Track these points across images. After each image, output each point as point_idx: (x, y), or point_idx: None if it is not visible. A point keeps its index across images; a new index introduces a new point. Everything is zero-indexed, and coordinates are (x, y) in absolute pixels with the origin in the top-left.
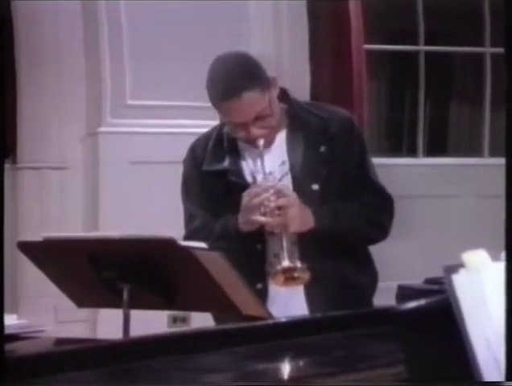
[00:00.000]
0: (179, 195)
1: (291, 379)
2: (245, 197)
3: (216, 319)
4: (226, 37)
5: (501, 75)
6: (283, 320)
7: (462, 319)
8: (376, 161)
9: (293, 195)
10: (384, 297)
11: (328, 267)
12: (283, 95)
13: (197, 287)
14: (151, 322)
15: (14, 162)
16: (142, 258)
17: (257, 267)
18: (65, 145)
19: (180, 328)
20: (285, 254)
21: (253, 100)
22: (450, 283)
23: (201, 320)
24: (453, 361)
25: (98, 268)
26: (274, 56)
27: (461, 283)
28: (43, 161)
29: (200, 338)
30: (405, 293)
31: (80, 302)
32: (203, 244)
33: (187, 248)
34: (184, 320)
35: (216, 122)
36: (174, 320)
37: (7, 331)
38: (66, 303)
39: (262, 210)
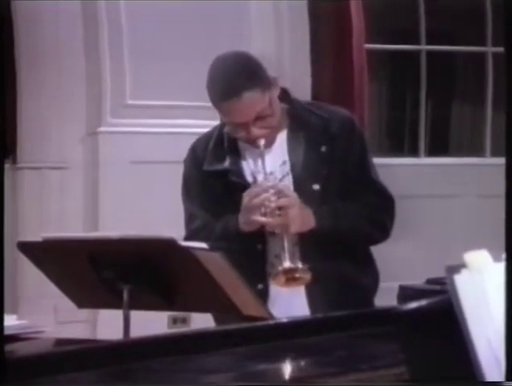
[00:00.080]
0: (180, 195)
1: (293, 379)
2: (246, 197)
3: (217, 320)
4: (226, 37)
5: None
6: (284, 320)
7: (464, 320)
8: (377, 161)
9: (294, 195)
10: (385, 297)
11: (328, 267)
12: (284, 95)
13: (198, 287)
14: (151, 323)
15: (14, 162)
16: (142, 258)
17: (257, 267)
18: (65, 145)
19: (180, 329)
20: (286, 255)
21: (253, 100)
22: (452, 283)
23: (202, 321)
24: (455, 361)
25: (98, 268)
26: (274, 56)
27: (463, 283)
28: (43, 161)
29: (200, 339)
30: (406, 293)
31: (80, 303)
32: (203, 245)
33: (187, 249)
34: (185, 321)
35: (216, 122)
36: (174, 321)
37: (7, 332)
38: (66, 304)
39: (263, 210)
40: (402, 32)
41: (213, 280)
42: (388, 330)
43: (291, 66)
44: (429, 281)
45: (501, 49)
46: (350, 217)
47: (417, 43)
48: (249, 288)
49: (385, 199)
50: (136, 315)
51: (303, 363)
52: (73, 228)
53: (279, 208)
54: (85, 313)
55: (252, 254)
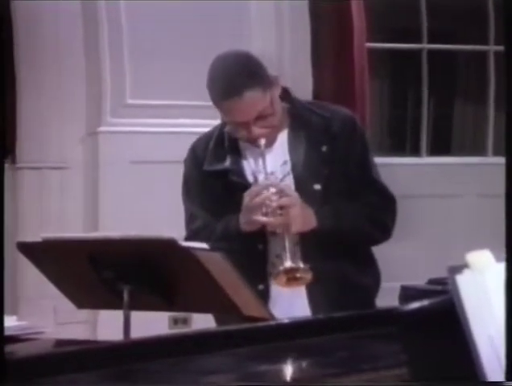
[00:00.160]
0: (180, 195)
1: (294, 380)
2: (247, 197)
3: (218, 320)
4: (227, 37)
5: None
6: (286, 321)
7: (466, 320)
8: (378, 160)
9: (295, 195)
10: (387, 297)
11: (330, 267)
12: (285, 94)
13: (198, 288)
14: (152, 324)
15: (14, 161)
16: (142, 259)
17: (258, 267)
18: (65, 145)
19: (181, 329)
20: (287, 254)
21: (254, 99)
22: (454, 284)
23: (202, 321)
24: (457, 362)
25: (98, 268)
26: (275, 56)
27: (465, 284)
28: (43, 161)
29: (201, 340)
30: (408, 293)
31: (80, 304)
32: (204, 245)
33: (188, 249)
34: (185, 321)
35: (217, 122)
36: (175, 321)
37: (7, 333)
38: (66, 304)
39: (264, 210)
40: (404, 31)
41: (214, 280)
42: (390, 330)
43: (292, 65)
44: (431, 282)
45: (503, 48)
46: (351, 217)
47: (418, 41)
48: (250, 288)
49: (386, 198)
50: (136, 316)
51: (304, 363)
52: (73, 228)
53: (280, 208)
54: (85, 314)
55: (253, 254)
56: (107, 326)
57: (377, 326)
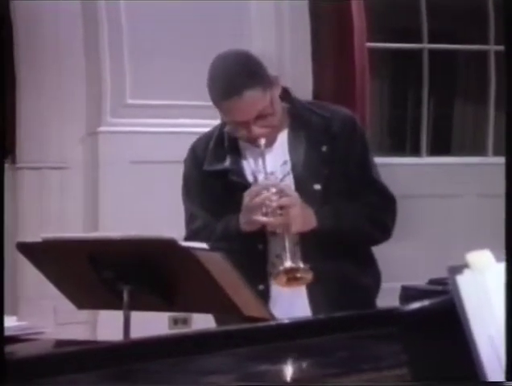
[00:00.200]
0: (180, 195)
1: (294, 380)
2: (246, 197)
3: (218, 321)
4: (227, 37)
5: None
6: (286, 321)
7: (466, 320)
8: (378, 160)
9: (295, 195)
10: (387, 297)
11: (330, 267)
12: (285, 94)
13: (198, 288)
14: (152, 324)
15: (14, 162)
16: (142, 259)
17: (258, 268)
18: (65, 145)
19: (181, 330)
20: (287, 254)
21: (254, 99)
22: (454, 284)
23: (202, 321)
24: (457, 362)
25: (98, 268)
26: (276, 56)
27: (466, 284)
28: (43, 161)
29: (201, 340)
30: (408, 293)
31: (80, 304)
32: (204, 245)
33: (188, 249)
34: (185, 321)
35: (217, 121)
36: (175, 321)
37: (7, 333)
38: (66, 305)
39: (264, 210)
40: (404, 31)
41: (214, 280)
42: (390, 330)
43: (293, 65)
44: (431, 282)
45: (503, 48)
46: (351, 217)
47: (419, 41)
48: (250, 288)
49: (386, 198)
50: (136, 316)
51: (304, 363)
52: (73, 228)
53: (280, 208)
54: (85, 314)
55: (253, 254)
56: (107, 326)
57: (377, 326)
